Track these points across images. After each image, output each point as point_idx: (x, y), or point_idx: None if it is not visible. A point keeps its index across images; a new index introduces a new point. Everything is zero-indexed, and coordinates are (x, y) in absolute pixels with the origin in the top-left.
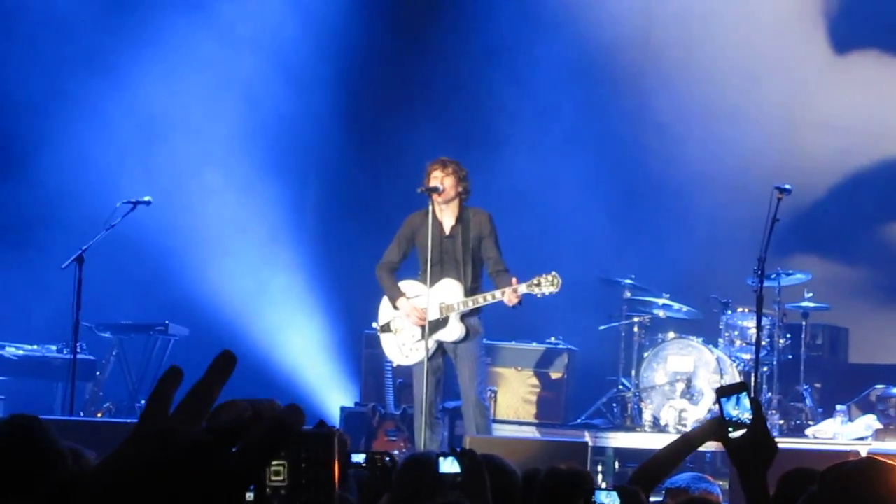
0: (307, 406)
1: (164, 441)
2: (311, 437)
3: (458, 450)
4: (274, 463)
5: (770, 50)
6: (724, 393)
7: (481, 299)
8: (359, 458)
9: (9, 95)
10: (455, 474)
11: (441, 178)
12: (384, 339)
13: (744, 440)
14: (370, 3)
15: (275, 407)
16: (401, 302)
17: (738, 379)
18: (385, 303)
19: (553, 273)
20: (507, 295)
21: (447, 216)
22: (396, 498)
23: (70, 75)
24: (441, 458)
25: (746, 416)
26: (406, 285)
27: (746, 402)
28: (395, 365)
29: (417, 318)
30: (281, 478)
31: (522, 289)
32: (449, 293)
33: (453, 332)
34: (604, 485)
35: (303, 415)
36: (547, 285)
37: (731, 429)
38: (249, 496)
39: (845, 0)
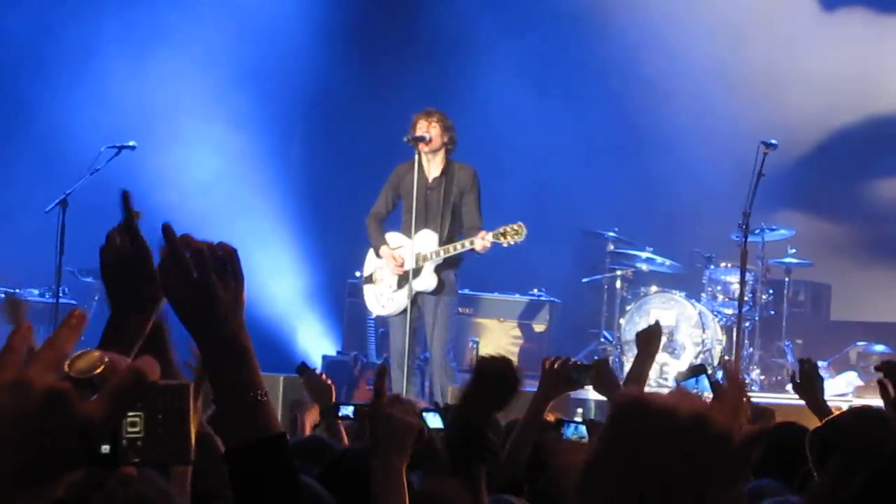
0: (290, 353)
1: (20, 390)
2: (168, 388)
3: (441, 406)
4: (130, 414)
5: (757, 6)
6: (683, 376)
7: (451, 248)
8: (347, 410)
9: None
10: (438, 429)
11: (426, 128)
12: (366, 289)
13: None
14: None
15: (127, 359)
16: (382, 250)
17: (719, 334)
18: (370, 254)
19: (519, 223)
20: (476, 242)
21: (433, 168)
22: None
23: (59, 17)
24: (424, 414)
25: (706, 395)
26: (391, 236)
27: (705, 381)
28: (374, 315)
29: (395, 265)
30: (137, 429)
31: (490, 237)
32: (426, 243)
33: (427, 281)
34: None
35: (158, 366)
36: (512, 234)
37: None
38: (106, 449)
39: None
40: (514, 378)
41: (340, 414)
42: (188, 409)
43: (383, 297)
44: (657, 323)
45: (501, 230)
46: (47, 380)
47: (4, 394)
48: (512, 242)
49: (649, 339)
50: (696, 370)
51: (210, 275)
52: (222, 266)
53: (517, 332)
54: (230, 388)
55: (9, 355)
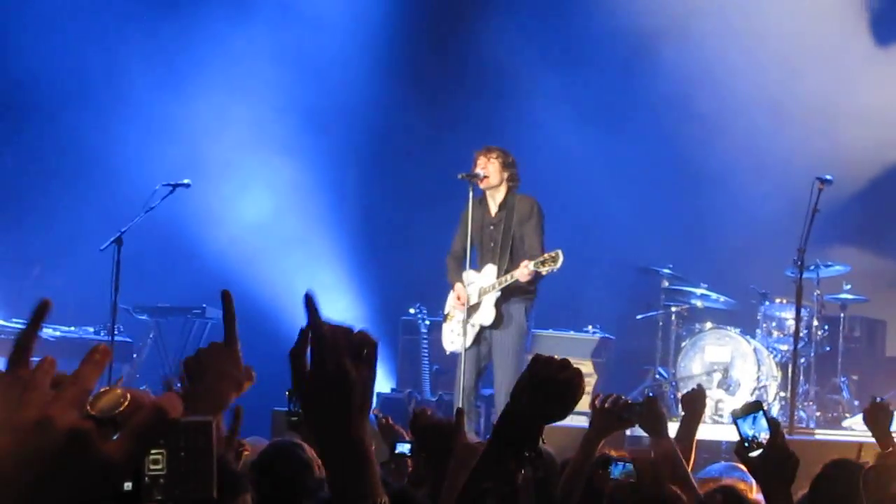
0: None
1: (42, 429)
2: (190, 425)
3: None
4: (152, 451)
5: (811, 41)
6: (739, 414)
7: (503, 280)
8: (403, 447)
9: (54, 76)
10: None
11: (484, 165)
12: (444, 327)
13: (763, 458)
14: None
15: (150, 395)
16: (457, 286)
17: (775, 370)
18: (450, 293)
19: (556, 251)
20: (520, 272)
21: (494, 203)
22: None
23: (112, 56)
24: None
25: (763, 435)
26: (466, 274)
27: (763, 421)
28: (447, 352)
29: (459, 302)
30: (160, 466)
31: (531, 266)
32: (487, 277)
33: (486, 315)
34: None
35: (181, 403)
36: (549, 262)
37: (745, 446)
38: (128, 485)
39: None
40: (578, 388)
41: (397, 451)
42: (211, 446)
43: (453, 333)
44: (700, 386)
45: (541, 259)
46: (69, 419)
47: (28, 433)
48: (550, 270)
49: (694, 402)
50: (751, 408)
51: (345, 362)
52: (357, 352)
53: None
54: (349, 495)
55: (32, 392)
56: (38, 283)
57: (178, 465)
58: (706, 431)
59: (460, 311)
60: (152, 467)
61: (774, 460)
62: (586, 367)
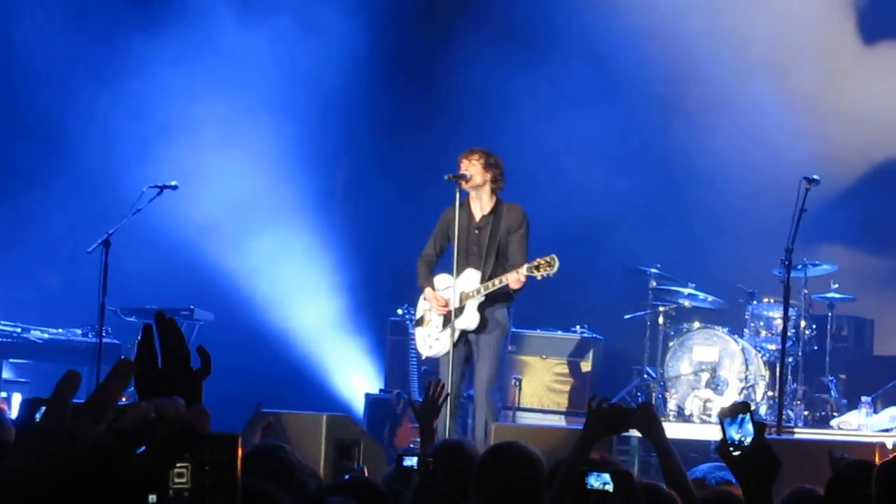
0: (332, 392)
1: (64, 444)
2: (216, 439)
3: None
4: (177, 465)
5: (799, 40)
6: (727, 414)
7: (490, 285)
8: (411, 461)
9: (40, 78)
10: None
11: (466, 166)
12: (417, 332)
13: (745, 458)
14: None
15: (179, 407)
16: (427, 291)
17: (763, 369)
18: (421, 297)
19: (551, 256)
20: (510, 276)
21: (479, 207)
22: (441, 486)
23: (98, 58)
24: None
25: (748, 439)
26: (439, 278)
27: (749, 425)
28: (423, 357)
29: (437, 305)
30: (184, 480)
31: (524, 271)
32: (469, 282)
33: (470, 320)
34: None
35: (207, 417)
36: (545, 267)
37: (731, 449)
38: (153, 499)
39: None
40: None
41: (404, 465)
42: (236, 461)
43: (430, 339)
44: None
45: (535, 263)
46: (94, 434)
47: (50, 448)
48: (545, 274)
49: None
50: (739, 409)
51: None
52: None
53: (559, 370)
54: None
55: (57, 405)
56: (29, 285)
57: (203, 479)
58: (695, 431)
59: (437, 316)
60: (177, 481)
61: (757, 461)
62: (573, 366)
